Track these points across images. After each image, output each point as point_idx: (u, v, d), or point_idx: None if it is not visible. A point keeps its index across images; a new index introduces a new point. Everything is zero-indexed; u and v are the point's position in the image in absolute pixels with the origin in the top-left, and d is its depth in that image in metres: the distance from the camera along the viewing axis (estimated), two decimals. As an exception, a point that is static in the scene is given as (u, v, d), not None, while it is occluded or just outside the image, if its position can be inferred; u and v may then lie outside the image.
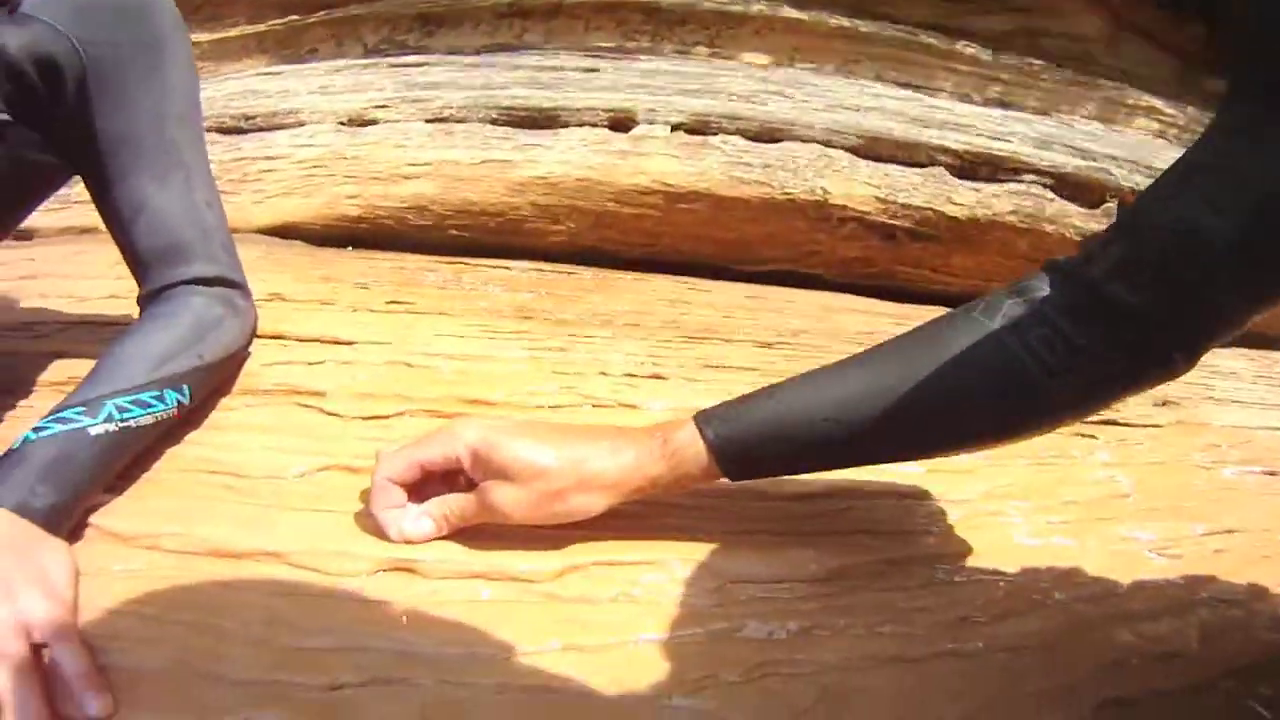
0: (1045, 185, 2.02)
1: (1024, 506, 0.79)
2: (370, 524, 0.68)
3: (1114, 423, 1.00)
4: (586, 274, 1.63)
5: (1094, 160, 2.08)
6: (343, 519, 0.71)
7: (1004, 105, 2.32)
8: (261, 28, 2.71)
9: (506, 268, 1.59)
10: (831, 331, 1.30)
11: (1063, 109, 2.35)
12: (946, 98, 2.30)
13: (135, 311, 1.04)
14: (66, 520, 0.65)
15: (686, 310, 1.34)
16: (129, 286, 1.19)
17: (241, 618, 0.59)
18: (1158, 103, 2.38)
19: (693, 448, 0.64)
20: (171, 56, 0.86)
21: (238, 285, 0.90)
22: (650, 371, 1.02)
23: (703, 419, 0.66)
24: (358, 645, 0.57)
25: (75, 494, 0.66)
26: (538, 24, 2.44)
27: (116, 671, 0.55)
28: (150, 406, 0.73)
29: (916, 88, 2.31)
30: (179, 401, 0.76)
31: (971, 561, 0.71)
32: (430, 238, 1.92)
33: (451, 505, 0.66)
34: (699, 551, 0.68)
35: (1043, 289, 0.63)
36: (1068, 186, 2.03)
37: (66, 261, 1.42)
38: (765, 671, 0.56)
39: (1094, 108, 2.36)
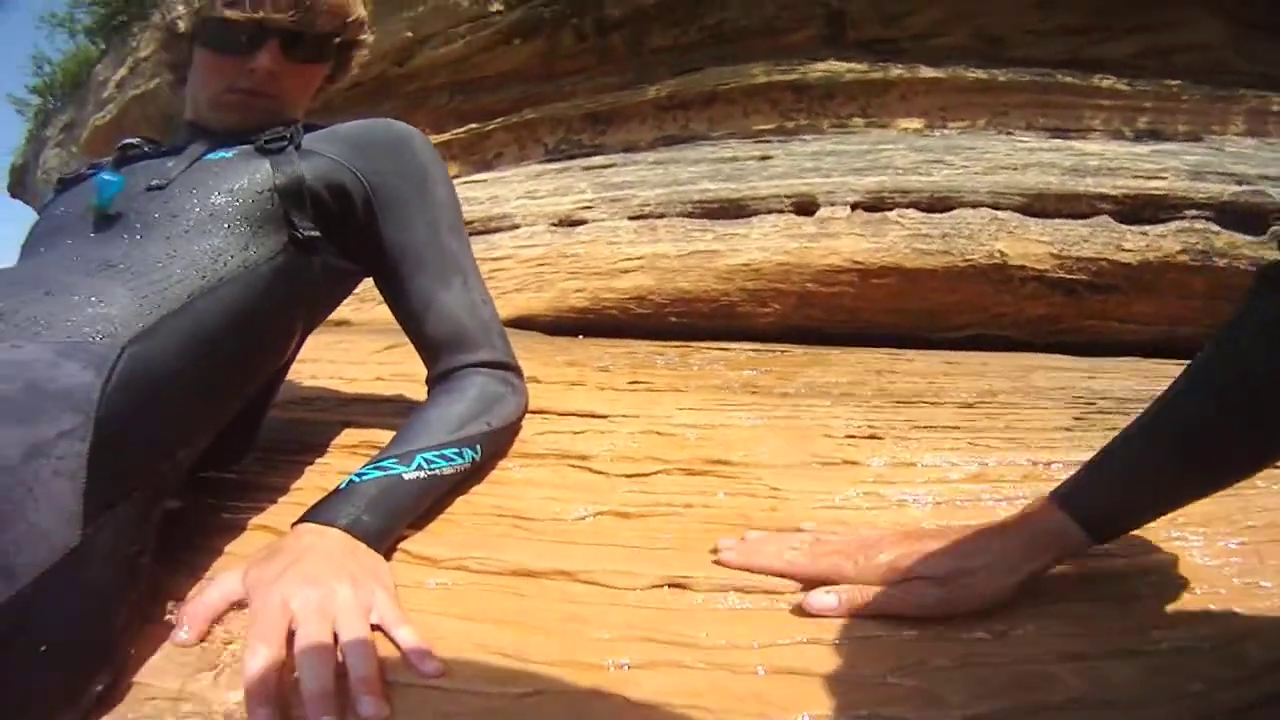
0: (1207, 218, 1.98)
1: (1205, 532, 0.85)
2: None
3: (1301, 454, 1.02)
4: (798, 351, 1.74)
5: (1250, 184, 2.02)
6: (621, 550, 0.81)
7: (1155, 135, 2.29)
8: (446, 136, 3.04)
9: (725, 349, 1.72)
10: (1027, 389, 1.37)
11: (1214, 129, 2.30)
12: (1098, 137, 2.30)
13: (399, 392, 1.26)
14: (385, 543, 0.77)
15: (893, 379, 1.44)
16: (391, 371, 1.41)
17: (540, 616, 0.70)
18: (1302, 104, 2.26)
19: (1074, 538, 0.70)
20: (435, 180, 1.00)
21: (512, 368, 1.02)
22: (867, 433, 1.12)
23: (1069, 508, 0.70)
24: (639, 636, 0.68)
25: (393, 522, 0.78)
26: (698, 113, 2.62)
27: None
28: (451, 460, 0.85)
29: (1066, 132, 2.32)
30: (472, 458, 0.89)
31: (1155, 578, 0.77)
32: (651, 325, 2.08)
33: (866, 595, 0.71)
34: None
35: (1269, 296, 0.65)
36: (1229, 216, 1.97)
37: (330, 349, 1.63)
38: (968, 661, 0.64)
39: (1242, 121, 2.31)
